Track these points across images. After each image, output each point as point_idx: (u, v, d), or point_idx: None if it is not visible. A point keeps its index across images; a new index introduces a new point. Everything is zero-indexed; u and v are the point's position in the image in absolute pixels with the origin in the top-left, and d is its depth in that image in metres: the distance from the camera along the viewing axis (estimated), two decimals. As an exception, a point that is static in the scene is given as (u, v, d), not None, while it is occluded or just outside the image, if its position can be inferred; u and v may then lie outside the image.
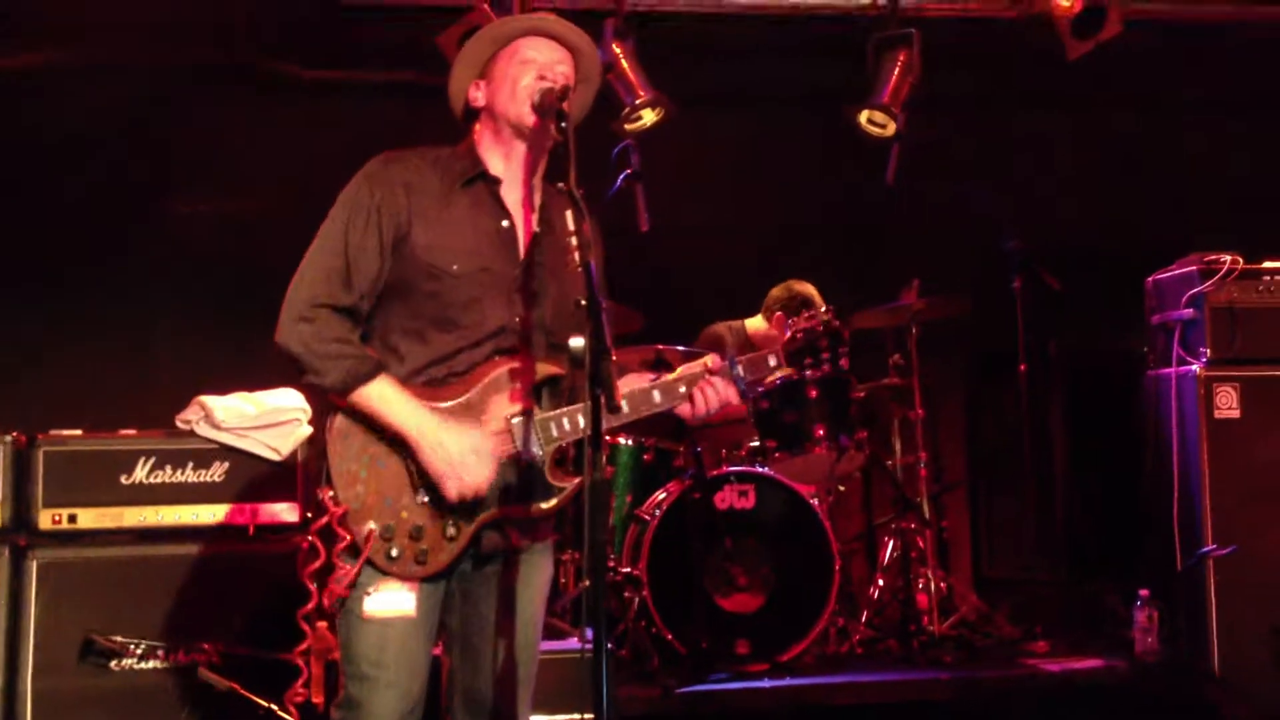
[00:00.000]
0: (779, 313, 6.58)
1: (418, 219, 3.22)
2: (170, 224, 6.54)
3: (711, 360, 3.40)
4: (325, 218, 3.26)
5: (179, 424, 4.71)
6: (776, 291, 6.68)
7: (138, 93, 6.46)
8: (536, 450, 3.22)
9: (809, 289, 6.59)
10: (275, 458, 4.67)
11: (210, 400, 4.70)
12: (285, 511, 4.67)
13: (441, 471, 3.11)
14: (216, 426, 4.64)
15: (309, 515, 3.19)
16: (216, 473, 4.64)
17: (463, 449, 3.11)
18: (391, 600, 3.16)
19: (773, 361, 3.42)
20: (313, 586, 3.17)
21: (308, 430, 4.74)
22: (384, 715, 3.17)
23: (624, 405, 3.27)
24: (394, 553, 3.14)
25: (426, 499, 3.16)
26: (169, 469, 4.59)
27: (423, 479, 3.15)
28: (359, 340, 3.20)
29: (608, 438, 5.81)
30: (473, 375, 3.22)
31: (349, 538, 3.12)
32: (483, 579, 3.30)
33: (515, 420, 3.22)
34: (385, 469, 3.16)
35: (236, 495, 4.63)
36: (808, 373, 3.43)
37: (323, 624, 3.20)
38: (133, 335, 6.43)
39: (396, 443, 3.15)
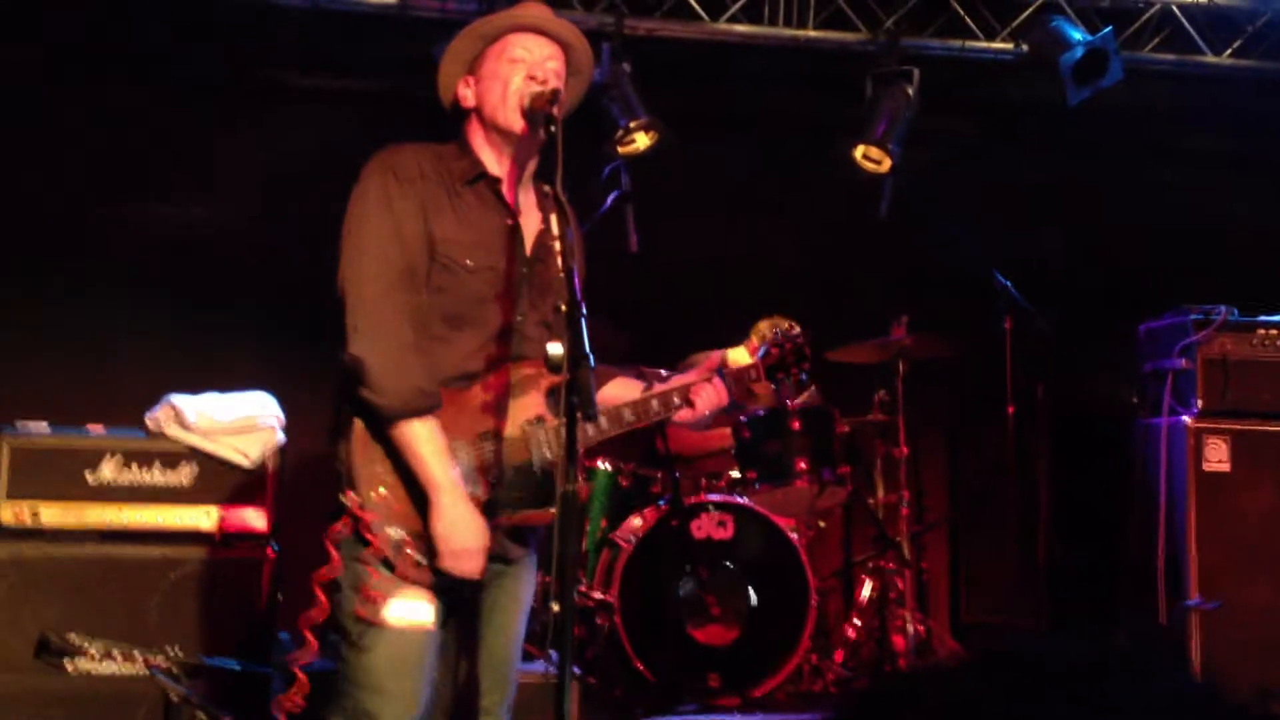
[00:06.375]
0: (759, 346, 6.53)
1: (433, 210, 3.13)
2: (141, 224, 6.42)
3: (707, 363, 3.52)
4: (351, 217, 3.11)
5: (148, 423, 4.61)
6: (762, 325, 6.61)
7: (110, 90, 6.38)
8: (548, 455, 3.15)
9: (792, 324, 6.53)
10: (245, 463, 4.57)
11: (181, 400, 4.60)
12: (254, 518, 4.58)
13: (443, 548, 3.00)
14: (186, 428, 4.54)
15: (335, 517, 3.07)
16: (184, 475, 4.54)
17: (467, 543, 3.01)
18: (412, 610, 3.02)
19: (754, 374, 3.59)
20: (322, 594, 3.04)
21: (280, 438, 4.64)
22: None
23: (626, 413, 3.26)
24: (420, 560, 3.03)
25: None
26: (135, 468, 4.50)
27: None
28: (426, 361, 3.08)
29: (586, 460, 5.72)
30: (489, 379, 3.14)
31: (375, 543, 3.02)
32: (475, 589, 3.18)
33: (529, 426, 3.15)
34: (410, 473, 3.05)
35: (204, 499, 4.53)
36: (781, 388, 3.54)
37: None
38: (99, 333, 6.29)
39: None
